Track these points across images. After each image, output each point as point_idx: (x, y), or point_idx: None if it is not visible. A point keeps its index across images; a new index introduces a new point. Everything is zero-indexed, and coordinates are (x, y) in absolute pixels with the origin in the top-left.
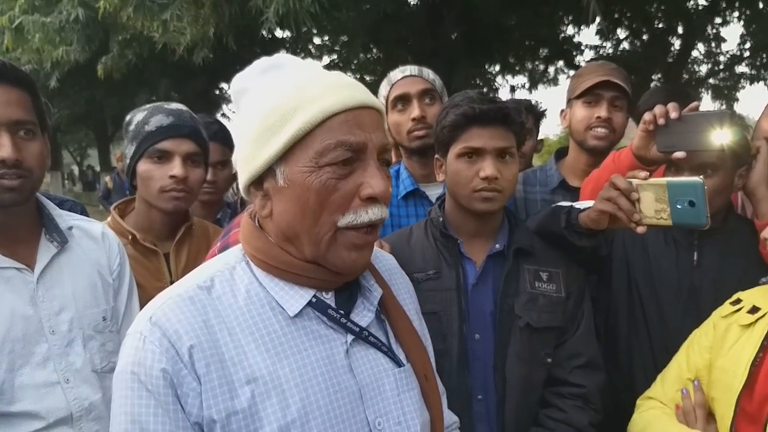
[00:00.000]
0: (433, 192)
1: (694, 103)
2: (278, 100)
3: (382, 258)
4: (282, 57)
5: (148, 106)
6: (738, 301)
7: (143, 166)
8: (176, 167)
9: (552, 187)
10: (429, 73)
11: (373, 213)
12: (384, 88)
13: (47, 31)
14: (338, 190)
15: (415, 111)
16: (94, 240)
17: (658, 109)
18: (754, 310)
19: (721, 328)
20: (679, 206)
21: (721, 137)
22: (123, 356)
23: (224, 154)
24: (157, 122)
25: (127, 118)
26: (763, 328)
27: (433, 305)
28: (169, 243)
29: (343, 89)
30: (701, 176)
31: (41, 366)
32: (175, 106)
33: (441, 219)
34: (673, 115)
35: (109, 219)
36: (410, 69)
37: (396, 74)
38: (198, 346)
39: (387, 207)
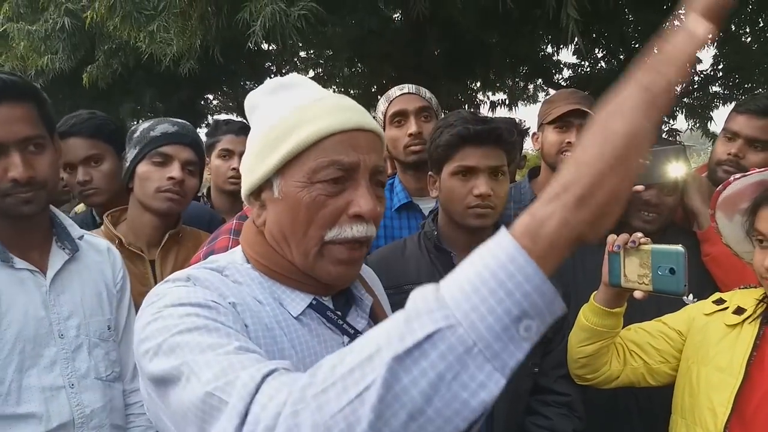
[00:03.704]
0: (426, 205)
1: None
2: (280, 118)
3: (367, 271)
4: (293, 78)
5: (155, 118)
6: (721, 301)
7: (143, 168)
8: (175, 170)
9: (525, 203)
10: (426, 92)
11: (358, 230)
12: (382, 104)
13: (32, 39)
14: (327, 207)
15: (412, 127)
16: (100, 253)
17: None
18: (739, 311)
19: (700, 322)
20: (660, 273)
21: (676, 171)
22: (154, 304)
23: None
24: (162, 129)
25: (132, 128)
26: (753, 327)
27: None
28: (156, 250)
29: (341, 111)
30: (682, 246)
31: (48, 369)
32: (181, 120)
33: (435, 233)
34: None
35: (102, 227)
36: (408, 87)
37: (394, 91)
38: (239, 306)
39: (375, 227)
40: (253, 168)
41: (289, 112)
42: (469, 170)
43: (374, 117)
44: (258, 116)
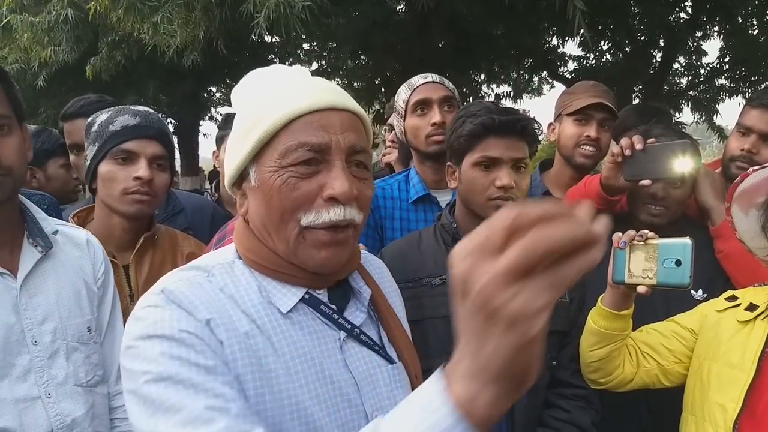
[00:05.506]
0: (444, 198)
1: (652, 139)
2: (252, 106)
3: (373, 261)
4: (272, 68)
5: (112, 107)
6: (733, 297)
7: (105, 167)
8: (141, 168)
9: (536, 197)
10: (449, 83)
11: (335, 214)
12: (404, 92)
13: (36, 30)
14: (299, 189)
15: (436, 116)
16: (78, 246)
17: (624, 141)
18: (752, 307)
19: (712, 319)
20: (665, 265)
21: (683, 165)
22: (132, 329)
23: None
24: (123, 122)
25: (89, 119)
26: (765, 324)
27: (447, 309)
28: (129, 254)
29: (312, 93)
30: (690, 238)
31: (21, 379)
32: (142, 108)
33: (454, 225)
34: (638, 146)
35: None
36: (432, 76)
37: (417, 80)
38: (215, 321)
39: (361, 210)
40: (231, 158)
41: (261, 98)
42: (492, 161)
43: (394, 105)
44: (238, 108)
